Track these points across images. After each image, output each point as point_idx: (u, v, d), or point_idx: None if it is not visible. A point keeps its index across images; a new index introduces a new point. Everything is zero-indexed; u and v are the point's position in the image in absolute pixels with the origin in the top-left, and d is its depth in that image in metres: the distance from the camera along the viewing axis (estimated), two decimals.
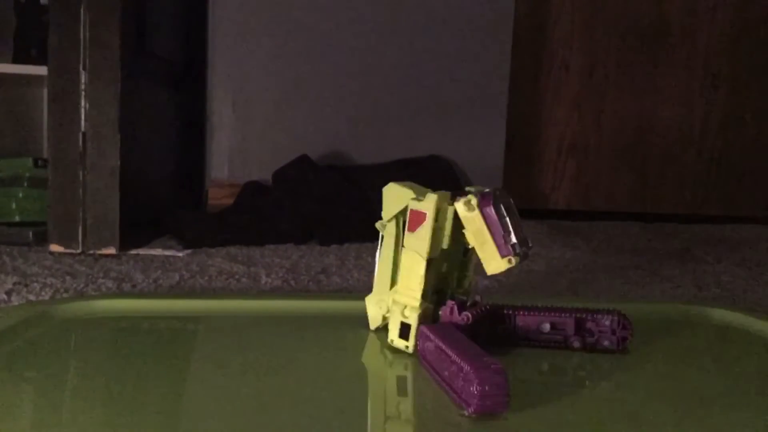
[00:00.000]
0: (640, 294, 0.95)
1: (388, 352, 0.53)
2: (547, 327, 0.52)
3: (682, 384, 0.48)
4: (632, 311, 0.68)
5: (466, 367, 0.39)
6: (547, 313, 0.52)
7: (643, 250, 1.33)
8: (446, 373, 0.42)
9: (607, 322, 0.51)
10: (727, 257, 1.29)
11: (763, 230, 1.71)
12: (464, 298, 0.54)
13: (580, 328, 0.52)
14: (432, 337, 0.45)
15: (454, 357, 0.41)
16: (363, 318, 0.58)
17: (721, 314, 0.67)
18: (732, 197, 1.86)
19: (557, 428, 0.39)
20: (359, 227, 1.31)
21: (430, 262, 0.51)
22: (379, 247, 0.54)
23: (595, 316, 0.52)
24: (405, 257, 0.52)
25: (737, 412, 0.43)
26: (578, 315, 0.52)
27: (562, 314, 0.52)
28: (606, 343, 0.52)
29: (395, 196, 0.53)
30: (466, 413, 0.39)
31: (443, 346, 0.43)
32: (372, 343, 0.55)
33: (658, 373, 0.50)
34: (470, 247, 0.52)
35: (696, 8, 1.81)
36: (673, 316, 0.67)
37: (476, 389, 0.38)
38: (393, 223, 0.53)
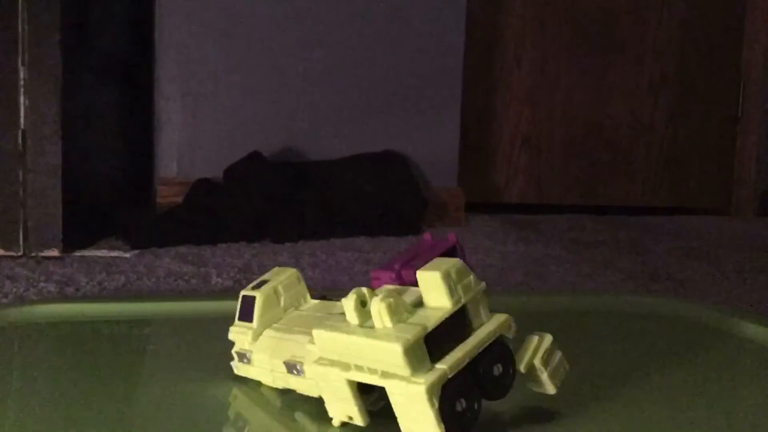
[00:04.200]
0: (592, 286, 0.95)
1: None
2: None
3: (631, 375, 0.48)
4: (586, 303, 0.69)
5: None
6: None
7: (595, 243, 1.34)
8: None
9: None
10: (677, 248, 1.31)
11: (710, 221, 1.75)
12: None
13: None
14: None
15: None
16: None
17: (673, 304, 0.67)
18: (680, 189, 1.90)
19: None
20: (313, 224, 1.29)
21: None
22: None
23: None
24: None
25: (687, 404, 0.43)
26: None
27: None
28: None
29: None
30: None
31: None
32: None
33: (608, 363, 0.50)
34: None
35: (645, 4, 1.84)
36: (624, 308, 0.68)
37: None
38: None
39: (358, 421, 0.35)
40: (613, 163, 1.85)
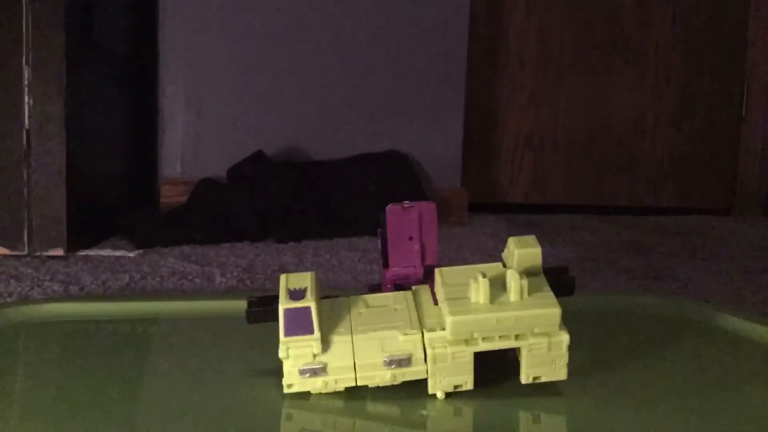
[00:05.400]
0: (596, 286, 0.95)
1: None
2: None
3: (633, 375, 0.48)
4: (589, 303, 0.69)
5: None
6: None
7: (599, 242, 1.34)
8: None
9: None
10: (681, 248, 1.31)
11: (715, 221, 1.75)
12: None
13: None
14: None
15: None
16: None
17: (677, 305, 0.67)
18: (684, 189, 1.89)
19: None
20: (316, 224, 1.29)
21: None
22: None
23: None
24: None
25: (690, 404, 0.43)
26: None
27: None
28: None
29: None
30: None
31: None
32: None
33: (611, 363, 0.50)
34: None
35: (649, 3, 1.83)
36: (628, 308, 0.67)
37: None
38: None
39: (469, 385, 0.42)
40: (616, 163, 1.85)
